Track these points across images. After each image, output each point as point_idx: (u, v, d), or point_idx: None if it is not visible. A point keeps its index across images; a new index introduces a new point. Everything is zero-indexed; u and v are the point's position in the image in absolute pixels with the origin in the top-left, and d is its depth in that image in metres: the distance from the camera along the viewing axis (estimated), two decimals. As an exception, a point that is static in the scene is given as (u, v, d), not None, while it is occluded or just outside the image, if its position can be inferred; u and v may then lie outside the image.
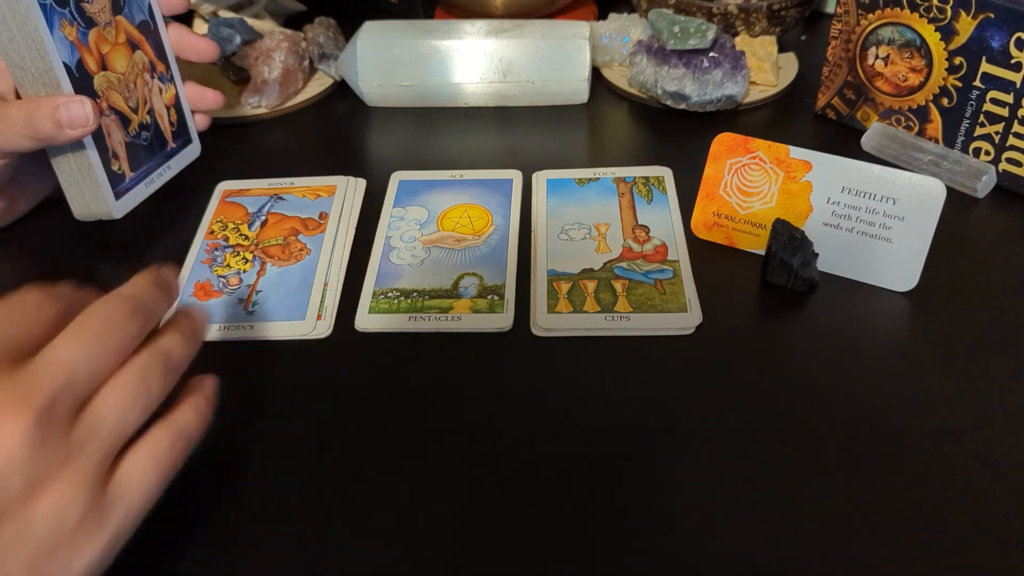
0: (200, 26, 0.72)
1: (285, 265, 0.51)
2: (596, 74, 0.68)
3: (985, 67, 0.52)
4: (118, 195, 0.51)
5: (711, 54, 0.61)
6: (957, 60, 0.53)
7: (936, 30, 0.53)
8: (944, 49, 0.53)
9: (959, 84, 0.54)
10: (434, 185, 0.57)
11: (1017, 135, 0.52)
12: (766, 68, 0.64)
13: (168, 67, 0.54)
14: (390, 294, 0.48)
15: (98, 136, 0.48)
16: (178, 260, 0.51)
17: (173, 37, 0.54)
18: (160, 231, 0.54)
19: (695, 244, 0.51)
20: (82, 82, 0.47)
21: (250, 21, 0.70)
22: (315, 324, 0.47)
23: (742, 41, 0.65)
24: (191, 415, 0.32)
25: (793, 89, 0.66)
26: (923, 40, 0.54)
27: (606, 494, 0.37)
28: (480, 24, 0.65)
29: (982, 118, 0.53)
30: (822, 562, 0.34)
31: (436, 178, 0.58)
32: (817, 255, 0.47)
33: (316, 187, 0.57)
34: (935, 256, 0.46)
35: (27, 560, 0.26)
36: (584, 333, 0.45)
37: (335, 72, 0.68)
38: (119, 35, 0.50)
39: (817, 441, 0.39)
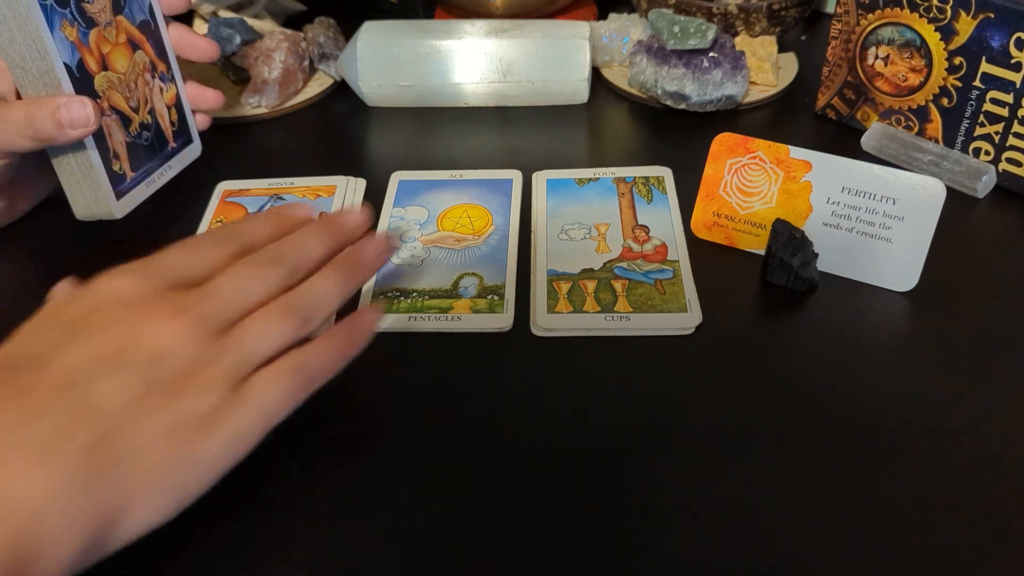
0: (200, 26, 0.72)
1: (285, 265, 0.51)
2: (596, 74, 0.68)
3: (985, 67, 0.52)
4: (119, 195, 0.51)
5: (711, 54, 0.61)
6: (957, 60, 0.53)
7: (936, 30, 0.53)
8: (944, 49, 0.53)
9: (959, 84, 0.54)
10: (434, 185, 0.57)
11: (1017, 135, 0.52)
12: (766, 68, 0.64)
13: (169, 67, 0.54)
14: (390, 294, 0.48)
15: (99, 136, 0.48)
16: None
17: (174, 37, 0.54)
18: (160, 231, 0.54)
19: (695, 244, 0.51)
20: (83, 82, 0.47)
21: (250, 21, 0.70)
22: (315, 324, 0.47)
23: (742, 41, 0.65)
24: (321, 352, 0.36)
25: (793, 89, 0.66)
26: (923, 40, 0.54)
27: (606, 494, 0.37)
28: (480, 24, 0.65)
29: (982, 118, 0.54)
30: (822, 562, 0.35)
31: (436, 178, 0.58)
32: (817, 255, 0.47)
33: (316, 187, 0.57)
34: (935, 256, 0.46)
35: (165, 427, 0.31)
36: (584, 333, 0.46)
37: (335, 72, 0.68)
38: (120, 35, 0.50)
39: (817, 441, 0.39)
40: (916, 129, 0.57)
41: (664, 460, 0.39)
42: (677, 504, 0.37)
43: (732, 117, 0.63)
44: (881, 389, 0.42)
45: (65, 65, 0.46)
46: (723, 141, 0.49)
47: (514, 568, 0.35)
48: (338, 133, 0.65)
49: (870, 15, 0.56)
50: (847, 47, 0.59)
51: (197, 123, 0.57)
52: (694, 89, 0.61)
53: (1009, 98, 0.52)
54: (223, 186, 0.57)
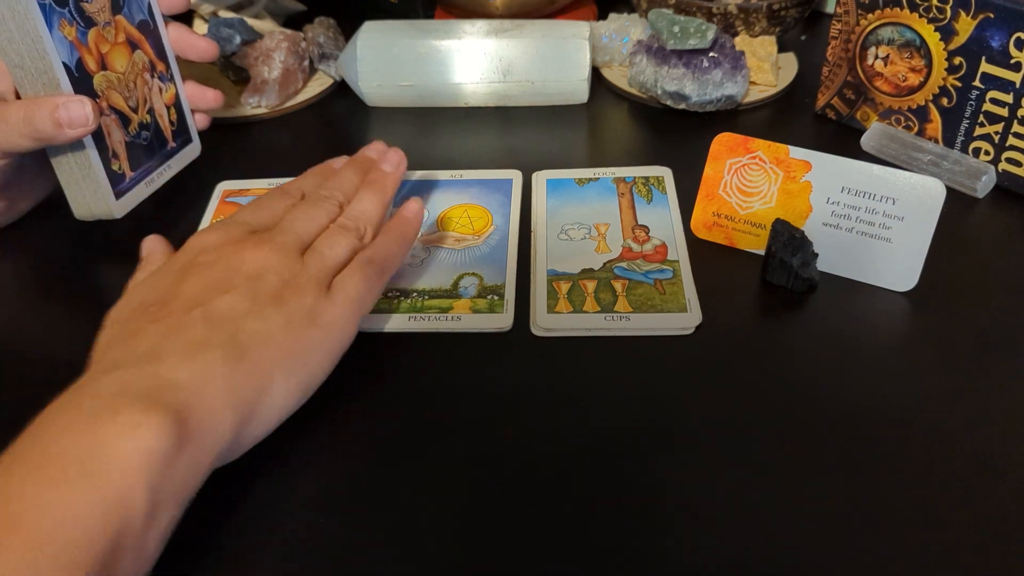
0: (200, 26, 0.72)
1: (285, 265, 0.51)
2: (596, 74, 0.68)
3: (985, 67, 0.52)
4: (118, 195, 0.51)
5: (711, 54, 0.61)
6: (957, 60, 0.53)
7: (936, 30, 0.53)
8: (944, 49, 0.53)
9: (959, 84, 0.54)
10: (434, 185, 0.57)
11: (1017, 135, 0.52)
12: (766, 68, 0.64)
13: (168, 66, 0.54)
14: (390, 294, 0.48)
15: (98, 136, 0.48)
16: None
17: (173, 36, 0.54)
18: (160, 231, 0.54)
19: (695, 244, 0.51)
20: (82, 82, 0.47)
21: (250, 21, 0.70)
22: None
23: (742, 41, 0.65)
24: (380, 244, 0.44)
25: (793, 89, 0.66)
26: (923, 40, 0.54)
27: (606, 494, 0.37)
28: (480, 24, 0.65)
29: (982, 118, 0.54)
30: (822, 562, 0.34)
31: (436, 178, 0.58)
32: (817, 255, 0.47)
33: None
34: (935, 256, 0.46)
35: (280, 323, 0.38)
36: (584, 333, 0.46)
37: (335, 72, 0.68)
38: (119, 35, 0.50)
39: (817, 441, 0.39)
40: (916, 129, 0.57)
41: (664, 460, 0.39)
42: (677, 504, 0.37)
43: (732, 117, 0.63)
44: (881, 389, 0.42)
45: (64, 64, 0.46)
46: (723, 141, 0.49)
47: (514, 568, 0.35)
48: (338, 133, 0.65)
49: (870, 15, 0.56)
50: (847, 47, 0.59)
51: (197, 123, 0.57)
52: (694, 89, 0.61)
53: (1009, 98, 0.52)
54: (223, 186, 0.57)
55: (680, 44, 0.61)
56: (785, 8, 0.66)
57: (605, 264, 0.49)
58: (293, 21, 0.77)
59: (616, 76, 0.68)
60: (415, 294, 0.48)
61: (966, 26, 0.52)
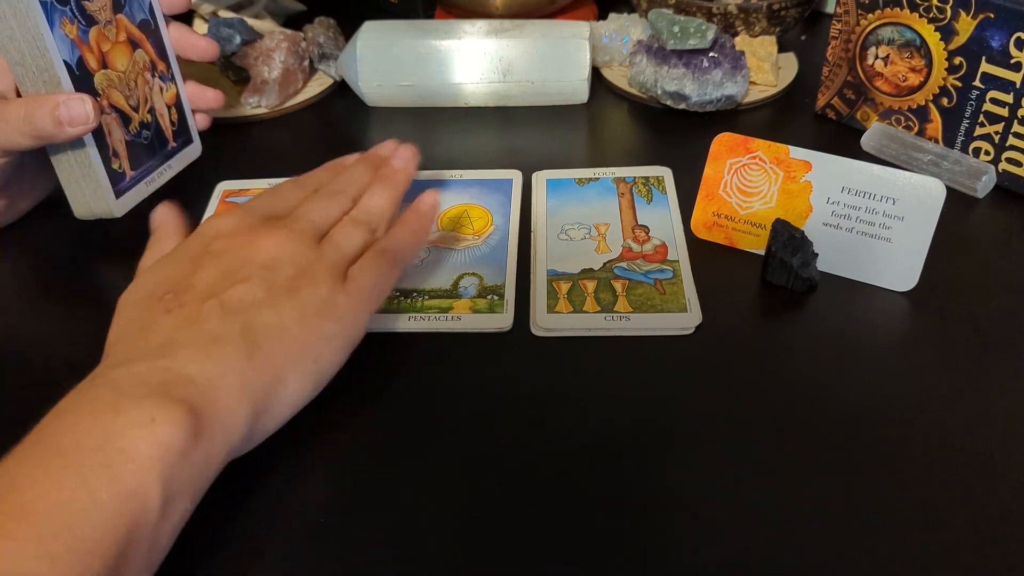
0: (200, 26, 0.72)
1: (285, 265, 0.51)
2: (596, 74, 0.68)
3: (985, 67, 0.52)
4: (118, 194, 0.51)
5: (711, 54, 0.61)
6: (957, 60, 0.53)
7: (936, 30, 0.53)
8: (944, 49, 0.53)
9: (959, 84, 0.54)
10: (434, 185, 0.57)
11: (1017, 135, 0.52)
12: (766, 68, 0.64)
13: (169, 66, 0.54)
14: (390, 294, 0.48)
15: (98, 134, 0.48)
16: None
17: (174, 36, 0.54)
18: (160, 231, 0.54)
19: (695, 244, 0.51)
20: (82, 80, 0.47)
21: (250, 21, 0.70)
22: (315, 324, 0.47)
23: (742, 41, 0.65)
24: (395, 235, 0.44)
25: (793, 89, 0.66)
26: (923, 40, 0.54)
27: (606, 494, 0.37)
28: (480, 24, 0.65)
29: (982, 118, 0.54)
30: (822, 562, 0.34)
31: (436, 178, 0.58)
32: (817, 255, 0.47)
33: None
34: (935, 256, 0.46)
35: (294, 314, 0.38)
36: (584, 333, 0.45)
37: (335, 72, 0.68)
38: (120, 33, 0.50)
39: (817, 441, 0.39)
40: (916, 129, 0.57)
41: (664, 460, 0.39)
42: (677, 504, 0.37)
43: (732, 117, 0.63)
44: (881, 389, 0.42)
45: (65, 63, 0.46)
46: (723, 141, 0.49)
47: (514, 568, 0.35)
48: (338, 133, 0.65)
49: (870, 15, 0.56)
50: (847, 47, 0.59)
51: (197, 123, 0.57)
52: (694, 89, 0.61)
53: (1009, 98, 0.52)
54: (223, 186, 0.57)
55: (680, 44, 0.61)
56: (785, 8, 0.66)
57: (605, 264, 0.49)
58: (293, 21, 0.76)
59: (616, 76, 0.68)
60: (415, 294, 0.48)
61: (966, 26, 0.52)
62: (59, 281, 0.51)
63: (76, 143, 0.47)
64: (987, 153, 0.54)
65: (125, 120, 0.51)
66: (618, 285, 0.48)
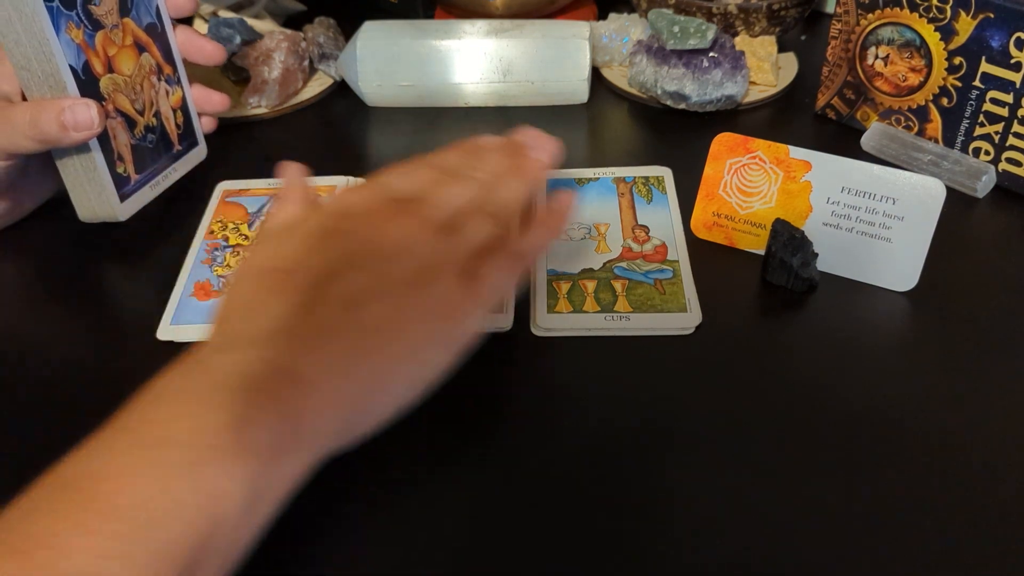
0: (200, 26, 0.72)
1: (286, 265, 0.51)
2: (596, 74, 0.68)
3: (985, 67, 0.52)
4: (123, 197, 0.51)
5: (711, 54, 0.61)
6: (957, 60, 0.53)
7: (936, 30, 0.53)
8: (944, 49, 0.53)
9: (959, 84, 0.54)
10: (434, 185, 0.57)
11: (1017, 135, 0.52)
12: (766, 68, 0.64)
13: (175, 69, 0.55)
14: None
15: (103, 139, 0.48)
16: (178, 260, 0.51)
17: (180, 40, 0.55)
18: (161, 231, 0.54)
19: (695, 244, 0.51)
20: (88, 84, 0.47)
21: (250, 21, 0.70)
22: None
23: (742, 41, 0.65)
24: (529, 236, 0.41)
25: (793, 89, 0.66)
26: (923, 40, 0.54)
27: (606, 494, 0.37)
28: (480, 24, 0.65)
29: (982, 118, 0.54)
30: (822, 562, 0.35)
31: (436, 178, 0.58)
32: (817, 255, 0.47)
33: (316, 187, 0.57)
34: (935, 256, 0.46)
35: (417, 311, 0.35)
36: (584, 333, 0.46)
37: (335, 72, 0.68)
38: (126, 38, 0.50)
39: (817, 441, 0.39)
40: (916, 129, 0.58)
41: (664, 460, 0.39)
42: (677, 504, 0.37)
43: (732, 117, 0.63)
44: (881, 389, 0.42)
45: (70, 67, 0.46)
46: (723, 141, 0.50)
47: (514, 568, 0.35)
48: (338, 133, 0.65)
49: (870, 15, 0.56)
50: (847, 47, 0.59)
51: (203, 126, 0.58)
52: (694, 89, 0.61)
53: (1009, 98, 0.52)
54: (223, 186, 0.57)
55: (680, 44, 0.61)
56: (785, 8, 0.66)
57: (605, 264, 0.50)
58: (293, 21, 0.77)
59: (616, 76, 0.68)
60: (416, 294, 0.48)
61: (966, 26, 0.52)
62: (61, 282, 0.51)
63: (81, 147, 0.47)
64: (987, 153, 0.54)
65: (130, 124, 0.51)
66: (618, 285, 0.48)
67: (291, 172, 0.42)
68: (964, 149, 0.55)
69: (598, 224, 0.53)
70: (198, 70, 0.58)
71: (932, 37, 0.54)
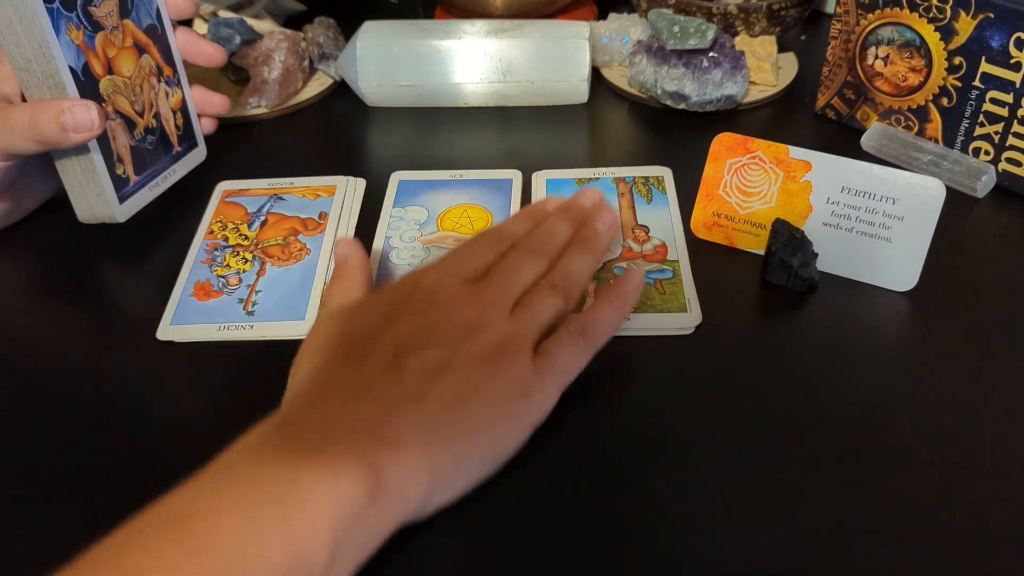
0: (200, 26, 0.72)
1: (285, 265, 0.51)
2: (596, 74, 0.68)
3: (985, 67, 0.52)
4: (122, 199, 0.51)
5: (711, 54, 0.61)
6: (957, 60, 0.53)
7: (936, 30, 0.53)
8: (944, 49, 0.53)
9: (959, 84, 0.54)
10: (434, 185, 0.57)
11: (1017, 135, 0.52)
12: (766, 68, 0.64)
13: (175, 71, 0.55)
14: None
15: (103, 140, 0.48)
16: (178, 260, 0.51)
17: (181, 41, 0.54)
18: (160, 231, 0.54)
19: (695, 244, 0.51)
20: (87, 86, 0.47)
21: (250, 21, 0.70)
22: (316, 325, 0.47)
23: (742, 41, 0.65)
24: (598, 313, 0.42)
25: (793, 89, 0.66)
26: (923, 40, 0.54)
27: (605, 495, 0.37)
28: (480, 24, 0.65)
29: (982, 118, 0.54)
30: (822, 562, 0.35)
31: (436, 178, 0.58)
32: (817, 255, 0.47)
33: (316, 187, 0.57)
34: (935, 256, 0.46)
35: (493, 386, 0.36)
36: (584, 333, 0.46)
37: (335, 72, 0.68)
38: (126, 39, 0.50)
39: (817, 441, 0.39)
40: (916, 129, 0.58)
41: (663, 460, 0.39)
42: (677, 505, 0.37)
43: (732, 117, 0.63)
44: (881, 389, 0.42)
45: (70, 68, 0.46)
46: (723, 141, 0.50)
47: (514, 568, 0.35)
48: (338, 133, 0.65)
49: (870, 15, 0.56)
50: (847, 47, 0.59)
51: (203, 127, 0.58)
52: (694, 89, 0.61)
53: (1009, 98, 0.52)
54: (223, 186, 0.58)
55: (680, 44, 0.61)
56: (785, 8, 0.66)
57: (605, 264, 0.50)
58: (293, 21, 0.77)
59: (616, 76, 0.68)
60: (416, 295, 0.48)
61: (966, 26, 0.52)
62: (61, 282, 0.51)
63: (80, 148, 0.47)
64: (987, 153, 0.54)
65: (130, 125, 0.51)
66: (618, 285, 0.48)
67: (345, 248, 0.44)
68: (964, 149, 0.55)
69: (598, 224, 0.52)
70: (197, 70, 0.58)
71: (932, 37, 0.54)
